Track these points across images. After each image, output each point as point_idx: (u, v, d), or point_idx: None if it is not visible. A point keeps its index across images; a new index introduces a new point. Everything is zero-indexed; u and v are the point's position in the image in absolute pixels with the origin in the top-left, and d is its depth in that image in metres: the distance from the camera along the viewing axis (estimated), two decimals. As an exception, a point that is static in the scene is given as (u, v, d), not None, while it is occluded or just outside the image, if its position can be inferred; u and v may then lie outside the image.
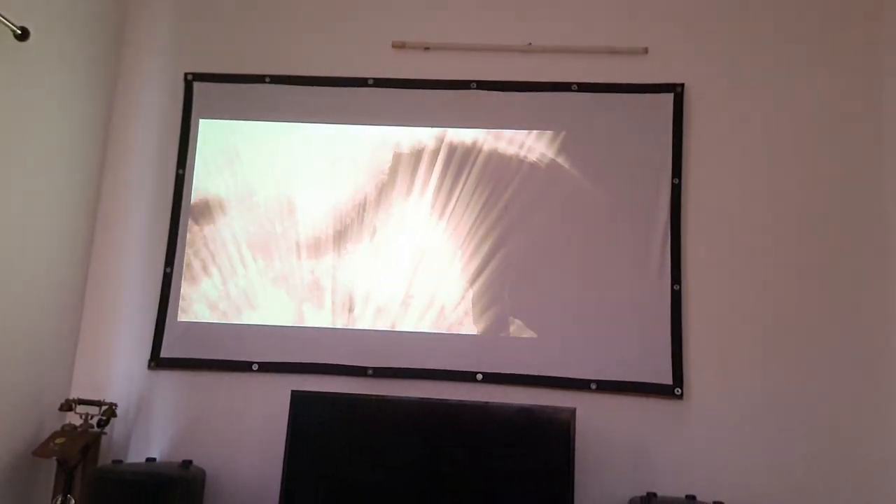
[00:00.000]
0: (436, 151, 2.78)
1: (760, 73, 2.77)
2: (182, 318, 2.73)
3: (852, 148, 2.69)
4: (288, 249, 2.76)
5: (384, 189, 2.77)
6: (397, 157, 2.78)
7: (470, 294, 2.66)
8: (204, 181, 2.84)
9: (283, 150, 2.83)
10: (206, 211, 2.81)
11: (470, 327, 2.63)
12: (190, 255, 2.77)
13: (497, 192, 2.74)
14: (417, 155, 2.78)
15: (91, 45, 2.79)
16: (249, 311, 2.71)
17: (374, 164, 2.80)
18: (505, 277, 2.68)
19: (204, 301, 2.74)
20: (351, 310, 2.67)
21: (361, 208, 2.75)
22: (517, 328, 2.64)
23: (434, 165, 2.77)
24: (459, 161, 2.77)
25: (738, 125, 2.75)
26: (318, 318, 2.69)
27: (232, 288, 2.74)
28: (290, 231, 2.78)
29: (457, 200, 2.73)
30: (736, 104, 2.76)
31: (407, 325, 2.66)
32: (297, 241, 2.76)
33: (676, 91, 2.76)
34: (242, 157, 2.85)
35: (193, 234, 2.80)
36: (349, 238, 2.75)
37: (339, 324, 2.68)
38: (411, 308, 2.68)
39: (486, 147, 2.77)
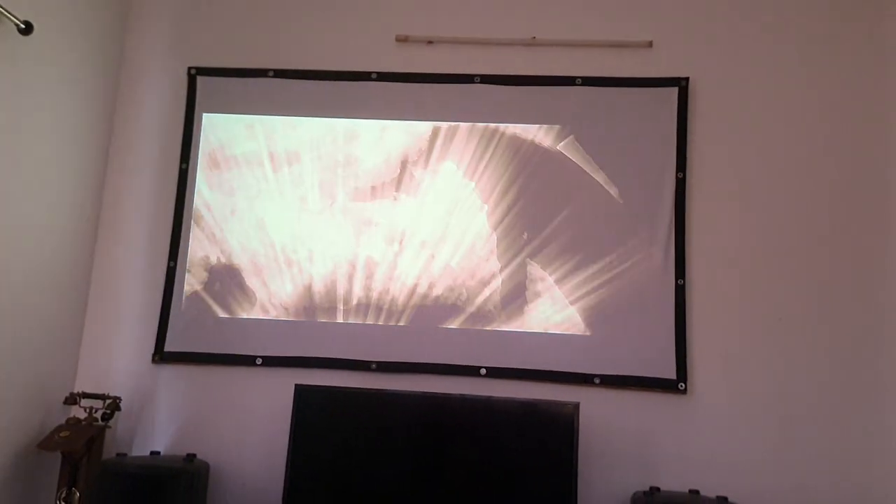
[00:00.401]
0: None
1: (766, 68, 2.76)
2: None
3: (858, 143, 2.68)
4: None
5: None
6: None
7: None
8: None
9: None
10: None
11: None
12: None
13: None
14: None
15: (94, 39, 2.79)
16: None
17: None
18: (509, 271, 2.69)
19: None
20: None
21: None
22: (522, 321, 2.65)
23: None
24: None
25: (743, 119, 2.74)
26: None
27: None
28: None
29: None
30: (741, 98, 2.75)
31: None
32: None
33: (681, 85, 2.75)
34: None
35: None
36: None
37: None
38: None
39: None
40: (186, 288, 2.76)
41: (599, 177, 2.71)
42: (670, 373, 2.57)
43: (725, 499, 2.32)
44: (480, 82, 2.83)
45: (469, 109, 2.81)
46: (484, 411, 2.42)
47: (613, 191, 2.70)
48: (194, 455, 2.49)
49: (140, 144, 2.91)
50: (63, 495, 2.44)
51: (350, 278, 2.72)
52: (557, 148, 2.74)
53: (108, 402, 2.59)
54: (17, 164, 2.39)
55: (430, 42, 2.89)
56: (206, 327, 2.73)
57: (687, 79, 2.76)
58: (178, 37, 2.97)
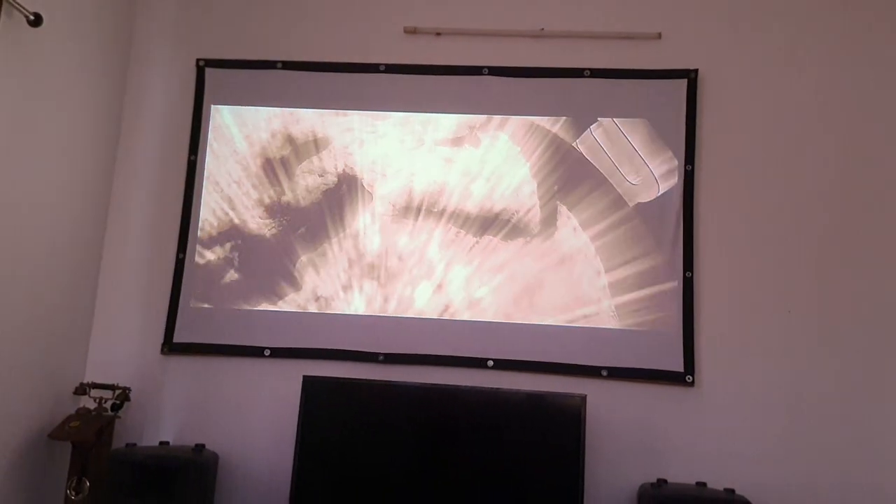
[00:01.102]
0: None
1: (775, 59, 2.74)
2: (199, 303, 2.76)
3: (869, 134, 2.66)
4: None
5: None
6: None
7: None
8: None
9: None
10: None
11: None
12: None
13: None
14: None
15: (103, 31, 2.79)
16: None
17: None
18: (516, 264, 2.69)
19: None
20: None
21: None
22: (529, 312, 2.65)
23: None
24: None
25: (752, 111, 2.72)
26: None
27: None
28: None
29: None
30: (750, 90, 2.74)
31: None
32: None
33: (690, 77, 2.74)
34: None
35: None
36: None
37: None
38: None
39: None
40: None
41: (606, 168, 2.71)
42: (678, 365, 2.57)
43: (733, 491, 2.32)
44: (489, 74, 2.82)
45: (477, 101, 2.80)
46: (491, 403, 2.42)
47: (620, 182, 2.69)
48: (203, 445, 2.51)
49: (149, 136, 2.91)
50: (73, 484, 2.46)
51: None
52: (562, 140, 2.74)
53: (118, 392, 2.60)
54: (26, 155, 2.40)
55: (438, 34, 2.88)
56: (214, 319, 2.74)
57: (696, 70, 2.75)
58: (186, 28, 2.97)
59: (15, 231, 2.37)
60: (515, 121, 2.75)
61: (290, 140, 2.84)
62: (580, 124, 2.75)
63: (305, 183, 2.80)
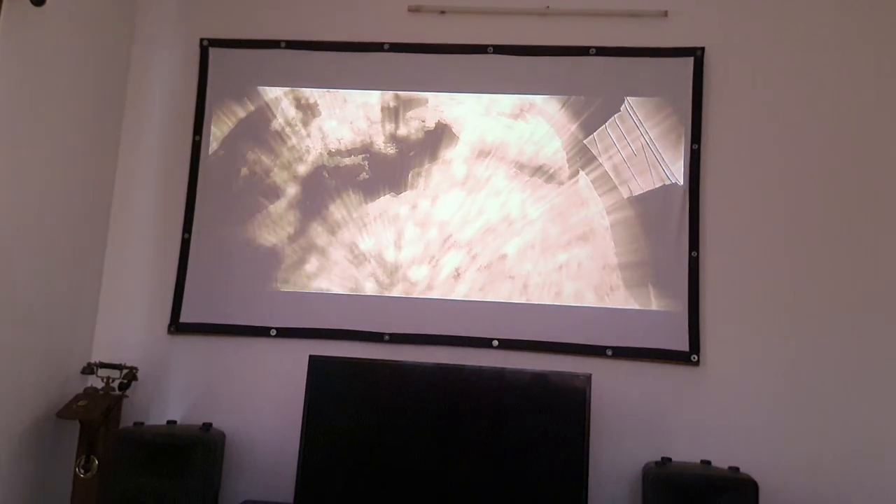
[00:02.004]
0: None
1: (783, 37, 2.72)
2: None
3: (878, 113, 2.64)
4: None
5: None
6: None
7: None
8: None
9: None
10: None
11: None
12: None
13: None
14: None
15: (106, 11, 2.78)
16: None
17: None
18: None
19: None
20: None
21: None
22: (535, 292, 2.65)
23: None
24: None
25: (759, 90, 2.70)
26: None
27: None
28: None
29: None
30: (757, 69, 2.71)
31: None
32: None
33: (696, 55, 2.72)
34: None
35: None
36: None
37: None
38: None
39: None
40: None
41: (613, 147, 2.69)
42: (683, 345, 2.57)
43: (737, 469, 2.33)
44: (493, 52, 2.80)
45: (482, 80, 2.79)
46: (496, 383, 2.43)
47: (627, 162, 2.68)
48: (210, 424, 2.53)
49: (153, 116, 2.91)
50: (82, 462, 2.48)
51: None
52: (567, 120, 2.72)
53: (125, 372, 2.62)
54: (30, 136, 2.40)
55: (442, 12, 2.86)
56: (220, 298, 2.75)
57: (703, 48, 2.72)
58: (189, 8, 2.96)
59: (20, 212, 2.37)
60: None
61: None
62: (586, 103, 2.73)
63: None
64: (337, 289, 2.72)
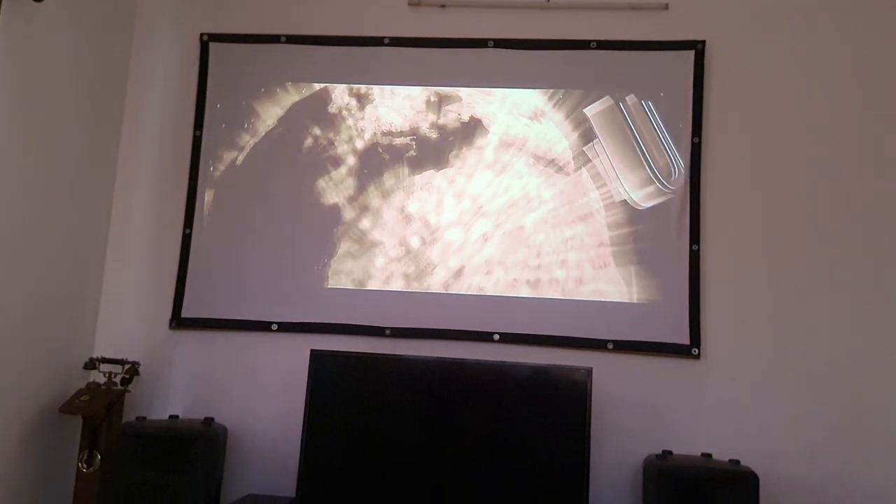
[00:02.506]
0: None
1: (784, 30, 2.71)
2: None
3: (879, 105, 2.63)
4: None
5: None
6: None
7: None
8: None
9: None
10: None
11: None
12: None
13: None
14: None
15: (106, 6, 2.77)
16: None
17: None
18: (522, 235, 2.69)
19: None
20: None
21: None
22: (533, 288, 2.65)
23: None
24: None
25: (760, 83, 2.70)
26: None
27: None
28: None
29: None
30: (758, 62, 2.71)
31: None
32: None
33: (697, 48, 2.71)
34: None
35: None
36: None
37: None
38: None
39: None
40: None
41: (613, 140, 2.70)
42: (684, 338, 2.57)
43: (738, 462, 2.33)
44: (494, 47, 2.80)
45: (482, 74, 2.79)
46: (497, 376, 2.43)
47: (627, 155, 2.68)
48: (212, 419, 2.54)
49: (153, 112, 2.91)
50: (85, 457, 2.49)
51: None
52: (568, 113, 2.73)
53: (127, 367, 2.63)
54: (30, 130, 2.40)
55: (442, 6, 2.86)
56: (222, 293, 2.75)
57: (703, 42, 2.72)
58: (189, 3, 2.95)
59: (22, 209, 2.38)
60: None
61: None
62: (587, 96, 2.73)
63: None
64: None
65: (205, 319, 2.75)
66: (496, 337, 2.64)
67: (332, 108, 2.86)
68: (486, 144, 2.80)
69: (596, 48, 2.76)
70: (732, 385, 2.55)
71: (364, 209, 2.80)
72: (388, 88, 2.85)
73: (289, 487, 2.53)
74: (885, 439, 2.47)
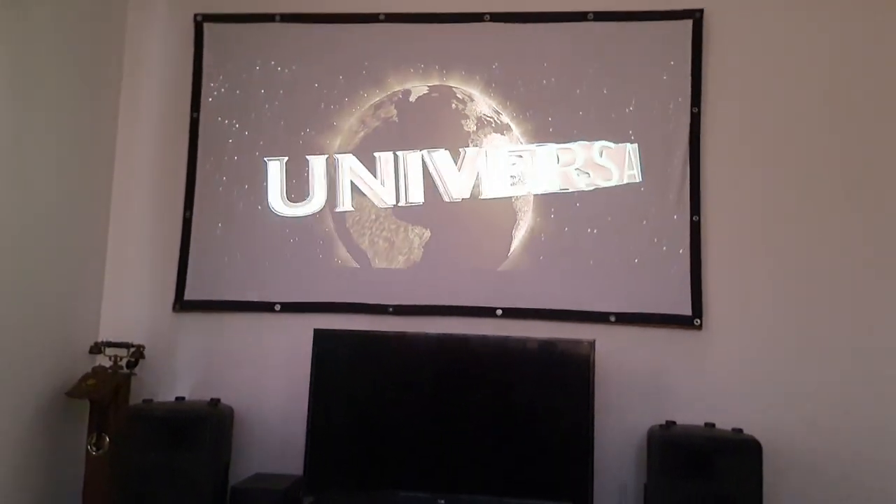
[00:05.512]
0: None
1: (783, -4, 2.69)
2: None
3: (878, 73, 2.61)
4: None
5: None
6: None
7: None
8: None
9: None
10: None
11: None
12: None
13: None
14: None
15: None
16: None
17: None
18: (524, 212, 2.69)
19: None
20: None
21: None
22: (537, 261, 2.65)
23: None
24: None
25: (759, 52, 2.68)
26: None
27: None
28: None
29: None
30: (757, 30, 2.68)
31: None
32: None
33: (695, 17, 2.69)
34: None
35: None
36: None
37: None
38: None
39: None
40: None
41: (612, 112, 2.68)
42: (686, 309, 2.58)
43: (741, 431, 2.35)
44: (490, 20, 2.78)
45: (479, 48, 2.76)
46: (501, 351, 2.44)
47: (626, 126, 2.67)
48: (218, 400, 2.55)
49: (150, 94, 2.89)
50: (94, 440, 2.51)
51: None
52: (568, 86, 2.71)
53: (133, 350, 2.64)
54: (28, 114, 2.40)
55: (437, -20, 2.83)
56: (224, 276, 2.76)
57: (701, 10, 2.69)
58: (182, -17, 2.93)
59: (23, 196, 2.38)
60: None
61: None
62: (585, 68, 2.71)
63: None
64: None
65: (208, 301, 2.76)
66: (499, 312, 2.65)
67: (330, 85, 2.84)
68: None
69: (593, 20, 2.73)
70: (735, 355, 2.56)
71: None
72: (383, 64, 2.81)
73: (296, 466, 2.54)
74: (886, 407, 2.48)
